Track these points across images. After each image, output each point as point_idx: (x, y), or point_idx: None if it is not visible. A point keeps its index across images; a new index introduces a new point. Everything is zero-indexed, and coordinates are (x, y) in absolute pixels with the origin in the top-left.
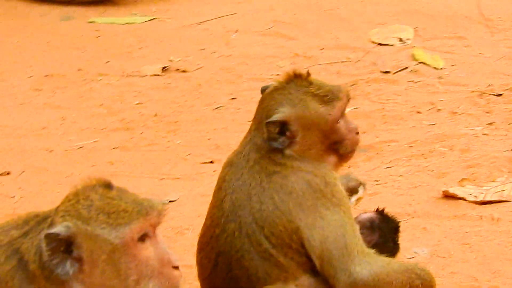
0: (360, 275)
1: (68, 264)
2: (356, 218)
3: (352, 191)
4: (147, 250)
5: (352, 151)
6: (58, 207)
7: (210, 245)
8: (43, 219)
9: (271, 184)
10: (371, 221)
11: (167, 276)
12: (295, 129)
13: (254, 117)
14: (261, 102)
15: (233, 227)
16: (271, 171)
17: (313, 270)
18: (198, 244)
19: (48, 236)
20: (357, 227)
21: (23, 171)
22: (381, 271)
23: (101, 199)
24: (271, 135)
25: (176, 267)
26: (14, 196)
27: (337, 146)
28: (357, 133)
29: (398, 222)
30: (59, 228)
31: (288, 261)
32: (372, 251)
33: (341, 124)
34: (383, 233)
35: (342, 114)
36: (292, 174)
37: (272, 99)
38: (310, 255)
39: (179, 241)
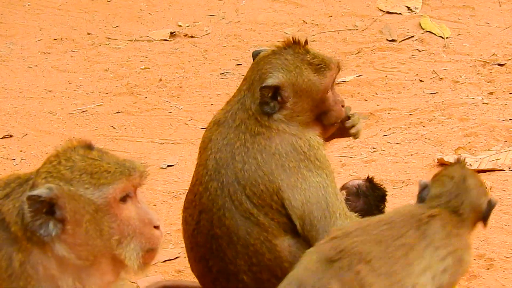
0: None
1: (51, 225)
2: (345, 183)
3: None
4: (129, 210)
5: (335, 123)
6: (39, 169)
7: (194, 203)
8: (24, 181)
9: (255, 144)
10: (358, 188)
11: (148, 236)
12: (287, 95)
13: (246, 78)
14: (256, 64)
15: (216, 186)
16: (256, 131)
17: (293, 231)
18: (184, 202)
19: (30, 198)
20: (339, 190)
21: (25, 134)
22: None
23: (82, 159)
24: (263, 99)
25: (157, 227)
26: (15, 159)
27: (322, 116)
28: (343, 106)
29: (385, 191)
30: (41, 190)
31: (268, 221)
32: (354, 214)
33: (330, 94)
34: (368, 200)
35: (332, 85)
36: (277, 136)
37: (268, 62)
38: (291, 215)
39: (174, 205)
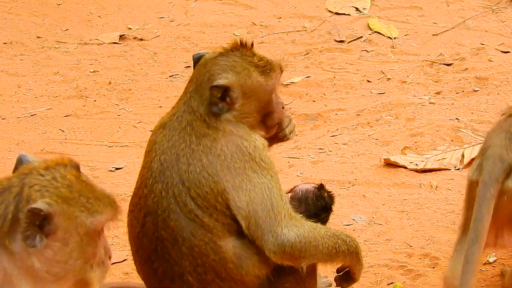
0: (288, 237)
1: (38, 238)
2: (296, 186)
3: None
4: (102, 240)
5: (275, 125)
6: (25, 179)
7: (139, 205)
8: (5, 190)
9: (200, 146)
10: (303, 193)
11: (106, 264)
12: (235, 96)
13: (192, 79)
14: (203, 66)
15: (160, 188)
16: (202, 133)
17: (238, 232)
18: (129, 205)
19: (32, 211)
20: (284, 191)
21: None
22: (308, 234)
23: (77, 181)
24: (212, 99)
25: (110, 257)
26: None
27: (266, 118)
28: (283, 108)
29: (331, 202)
30: (42, 205)
31: (213, 222)
32: (300, 215)
33: (274, 96)
34: (308, 207)
35: (276, 87)
36: (222, 137)
37: (216, 64)
38: (236, 216)
39: (122, 208)
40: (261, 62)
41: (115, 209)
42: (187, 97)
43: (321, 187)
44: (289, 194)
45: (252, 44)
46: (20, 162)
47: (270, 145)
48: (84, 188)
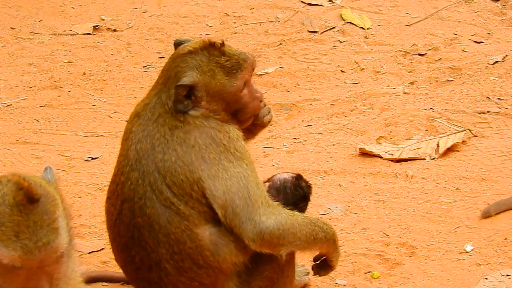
0: (266, 224)
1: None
2: (274, 175)
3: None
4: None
5: (250, 118)
6: None
7: (116, 192)
8: None
9: (174, 137)
10: (281, 183)
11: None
12: (200, 95)
13: (163, 72)
14: (173, 60)
15: (137, 176)
16: (173, 125)
17: (214, 220)
18: (107, 192)
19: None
20: (260, 180)
21: None
22: (286, 222)
23: (7, 209)
24: (177, 97)
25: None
26: None
27: (238, 112)
28: (261, 101)
29: (308, 192)
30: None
31: (189, 210)
32: (277, 203)
33: (245, 92)
34: (287, 197)
35: (246, 84)
36: (195, 129)
37: (184, 61)
38: (212, 205)
39: (99, 197)
40: (228, 63)
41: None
42: (158, 89)
43: (299, 176)
44: (267, 183)
45: (222, 44)
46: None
47: (254, 132)
48: (4, 218)
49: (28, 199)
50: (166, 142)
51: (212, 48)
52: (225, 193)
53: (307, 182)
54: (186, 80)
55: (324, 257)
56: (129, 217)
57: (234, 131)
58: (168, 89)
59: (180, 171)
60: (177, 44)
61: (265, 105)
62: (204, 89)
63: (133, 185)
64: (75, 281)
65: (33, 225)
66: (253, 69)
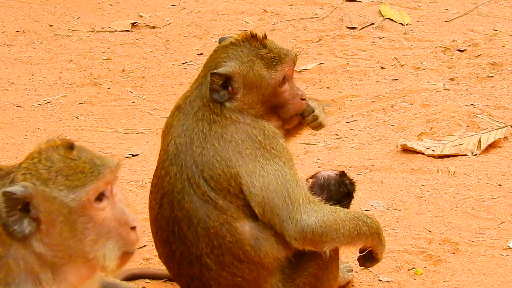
0: (308, 222)
1: (25, 222)
2: (317, 172)
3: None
4: (104, 211)
5: (293, 117)
6: (21, 163)
7: (157, 186)
8: (6, 174)
9: (212, 131)
10: (325, 180)
11: (124, 237)
12: (237, 86)
13: (205, 65)
14: (214, 52)
15: (175, 170)
16: (211, 119)
17: (253, 214)
18: (150, 187)
19: (5, 194)
20: (301, 177)
21: None
22: (328, 218)
23: (61, 160)
24: (213, 86)
25: (133, 228)
26: None
27: (278, 110)
28: (303, 99)
29: (352, 189)
30: (16, 188)
31: (227, 204)
32: (318, 199)
33: (285, 88)
34: (331, 194)
35: (287, 79)
36: (231, 124)
37: (225, 52)
38: (250, 202)
39: (140, 194)
40: (268, 55)
41: (100, 173)
42: (198, 82)
43: (343, 174)
44: (311, 180)
45: (264, 36)
46: None
47: (298, 133)
48: (66, 166)
49: (69, 146)
50: (204, 137)
51: (254, 40)
52: (262, 191)
53: (351, 179)
54: (223, 69)
55: (370, 249)
56: (169, 211)
57: (270, 128)
58: (207, 81)
59: (217, 166)
60: (221, 40)
61: (312, 110)
62: (242, 81)
63: (172, 179)
64: None
65: (88, 156)
66: (294, 64)
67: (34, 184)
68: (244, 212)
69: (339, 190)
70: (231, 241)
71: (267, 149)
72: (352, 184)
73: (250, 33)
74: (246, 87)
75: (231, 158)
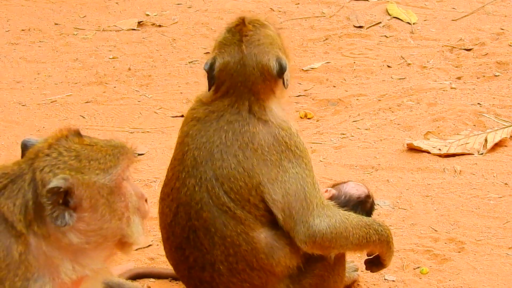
0: (319, 227)
1: (66, 215)
2: (342, 184)
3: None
4: (129, 188)
5: None
6: (34, 164)
7: (171, 196)
8: (17, 177)
9: (237, 142)
10: (346, 199)
11: (142, 209)
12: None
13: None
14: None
15: (193, 182)
16: (240, 130)
17: (270, 223)
18: (160, 194)
19: (51, 191)
20: (317, 179)
21: None
22: (339, 225)
23: (83, 148)
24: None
25: (146, 200)
26: None
27: None
28: None
29: (371, 212)
30: (60, 181)
31: (245, 214)
32: (332, 203)
33: None
34: (354, 211)
35: None
36: (260, 131)
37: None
38: (272, 209)
39: (147, 193)
40: None
41: (127, 154)
42: (231, 101)
43: (366, 198)
44: (332, 191)
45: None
46: (25, 147)
47: None
48: (91, 152)
49: (79, 135)
50: (226, 149)
51: None
52: (284, 196)
53: (373, 202)
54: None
55: (377, 254)
56: (185, 219)
57: (295, 126)
58: (243, 100)
59: (239, 177)
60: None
61: None
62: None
63: (189, 192)
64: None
65: (98, 139)
66: None
67: (71, 175)
68: (262, 222)
69: (365, 210)
70: (246, 249)
71: (291, 150)
72: (372, 207)
73: None
74: None
75: (254, 168)
